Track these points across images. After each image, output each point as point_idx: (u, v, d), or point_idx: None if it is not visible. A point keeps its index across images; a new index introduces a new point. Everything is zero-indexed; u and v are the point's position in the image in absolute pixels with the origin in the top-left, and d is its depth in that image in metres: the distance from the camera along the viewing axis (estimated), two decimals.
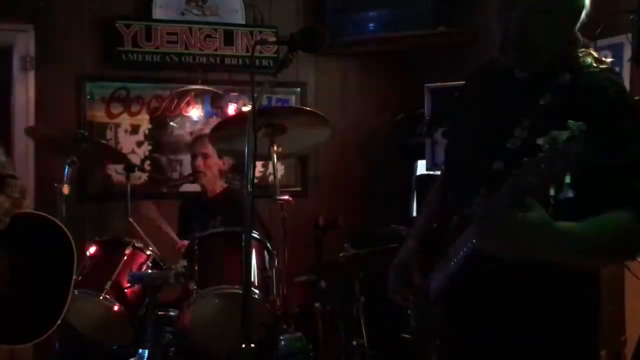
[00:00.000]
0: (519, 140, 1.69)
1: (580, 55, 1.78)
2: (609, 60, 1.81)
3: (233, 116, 4.17)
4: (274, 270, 3.56)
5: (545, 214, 1.53)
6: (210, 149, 4.11)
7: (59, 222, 2.87)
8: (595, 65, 1.76)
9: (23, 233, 2.75)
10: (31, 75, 4.80)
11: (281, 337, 3.01)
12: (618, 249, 1.68)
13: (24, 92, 4.80)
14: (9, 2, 4.74)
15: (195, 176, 4.21)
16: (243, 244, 3.45)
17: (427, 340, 2.01)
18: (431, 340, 1.99)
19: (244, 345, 2.23)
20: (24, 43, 4.80)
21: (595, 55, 1.80)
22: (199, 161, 4.16)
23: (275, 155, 3.42)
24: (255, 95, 2.34)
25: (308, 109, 3.70)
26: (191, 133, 5.09)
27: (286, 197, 3.43)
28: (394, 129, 5.28)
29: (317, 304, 3.65)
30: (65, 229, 2.86)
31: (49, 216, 2.90)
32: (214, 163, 4.19)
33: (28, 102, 4.80)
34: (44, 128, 4.24)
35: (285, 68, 2.43)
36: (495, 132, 1.76)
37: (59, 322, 2.77)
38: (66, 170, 3.80)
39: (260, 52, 5.12)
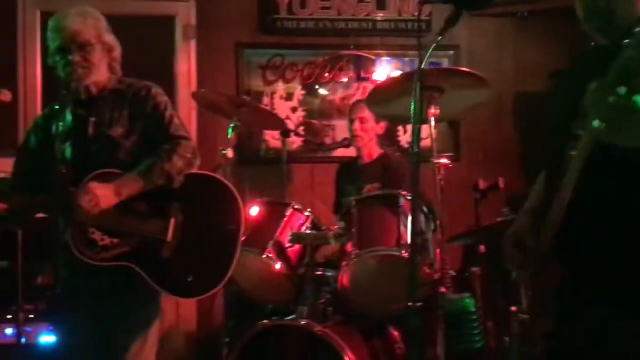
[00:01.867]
0: None
1: None
2: None
3: (390, 79, 4.16)
4: (431, 234, 3.57)
5: None
6: (367, 113, 4.14)
7: (227, 182, 2.96)
8: None
9: (195, 191, 2.86)
10: (192, 43, 5.02)
11: (449, 297, 3.00)
12: None
13: (186, 60, 5.02)
14: None
15: (352, 140, 4.24)
16: (399, 206, 3.53)
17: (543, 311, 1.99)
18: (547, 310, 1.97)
19: (410, 304, 2.25)
20: (186, 12, 5.02)
21: None
22: (356, 125, 4.19)
23: (432, 118, 3.40)
24: (419, 57, 2.30)
25: (466, 69, 3.64)
26: (343, 98, 5.15)
27: (443, 160, 3.42)
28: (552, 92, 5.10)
29: (474, 268, 3.62)
30: (233, 189, 2.94)
31: (218, 176, 3.00)
32: (371, 127, 4.21)
33: (190, 69, 5.02)
34: (210, 93, 4.40)
35: (452, 27, 2.39)
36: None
37: (226, 278, 2.85)
38: (230, 133, 3.97)
39: (413, 15, 5.12)
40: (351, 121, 4.27)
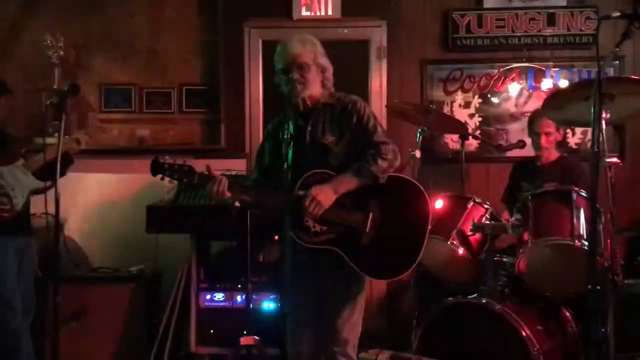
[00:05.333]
0: None
1: None
2: None
3: (564, 87, 4.00)
4: (601, 226, 3.40)
5: None
6: (551, 127, 4.00)
7: (417, 182, 2.96)
8: None
9: (390, 190, 2.88)
10: (384, 62, 5.07)
11: (628, 282, 2.86)
12: None
13: (378, 77, 5.09)
14: (366, 5, 5.07)
15: (538, 151, 4.09)
16: (572, 200, 3.39)
17: None
18: None
19: (589, 287, 2.17)
20: (378, 36, 5.09)
21: None
22: (543, 140, 4.04)
23: (604, 122, 3.23)
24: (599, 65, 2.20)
25: (637, 77, 3.43)
26: (516, 105, 5.01)
27: (614, 159, 3.24)
28: None
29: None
30: (422, 188, 2.94)
31: (409, 177, 3.00)
32: (554, 138, 4.07)
33: (381, 84, 5.08)
34: (402, 104, 4.43)
35: (628, 39, 2.28)
36: None
37: (415, 264, 2.85)
38: (418, 137, 3.99)
39: (580, 30, 4.91)
40: (536, 134, 4.08)
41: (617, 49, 2.30)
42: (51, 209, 3.20)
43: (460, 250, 3.62)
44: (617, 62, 4.91)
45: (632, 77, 3.73)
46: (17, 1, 5.17)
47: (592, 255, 2.25)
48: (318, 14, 5.03)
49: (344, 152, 2.87)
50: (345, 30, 5.07)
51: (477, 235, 3.66)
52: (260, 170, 3.05)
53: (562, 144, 4.88)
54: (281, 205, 2.86)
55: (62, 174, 3.66)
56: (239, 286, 4.25)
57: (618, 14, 2.38)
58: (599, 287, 2.21)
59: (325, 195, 2.75)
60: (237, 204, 2.95)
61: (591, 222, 3.34)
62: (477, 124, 5.05)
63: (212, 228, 4.23)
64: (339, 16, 5.03)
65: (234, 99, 5.09)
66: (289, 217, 2.82)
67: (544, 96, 4.76)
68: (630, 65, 4.95)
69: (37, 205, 3.64)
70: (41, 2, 5.18)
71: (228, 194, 2.75)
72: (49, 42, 4.96)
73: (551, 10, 4.94)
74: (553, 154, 4.12)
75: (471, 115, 5.06)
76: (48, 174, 3.22)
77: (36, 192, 3.64)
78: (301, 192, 2.77)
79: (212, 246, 4.62)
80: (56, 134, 3.38)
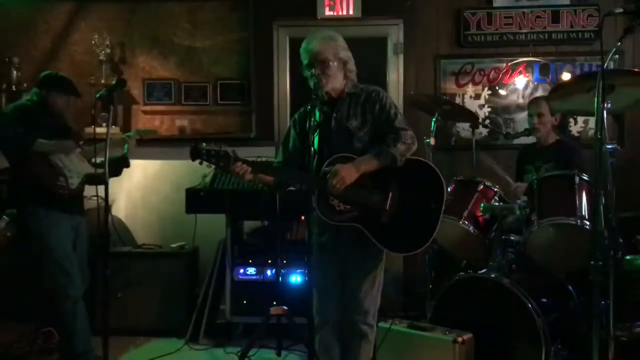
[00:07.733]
0: None
1: None
2: None
3: (568, 80, 3.94)
4: (601, 207, 3.34)
5: None
6: (544, 109, 3.94)
7: (433, 165, 2.94)
8: None
9: (408, 172, 2.87)
10: (400, 57, 5.03)
11: (627, 257, 2.82)
12: None
13: (395, 70, 5.05)
14: (384, 4, 5.02)
15: (532, 131, 4.06)
16: (575, 184, 3.35)
17: None
18: None
19: (592, 262, 2.14)
20: (395, 34, 5.04)
21: None
22: (535, 119, 4.00)
23: (605, 111, 3.18)
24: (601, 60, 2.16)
25: (636, 70, 3.37)
26: (523, 96, 4.95)
27: (615, 145, 3.18)
28: None
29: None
30: (438, 170, 2.91)
31: (426, 160, 2.99)
32: (547, 120, 4.01)
33: (398, 78, 5.04)
34: (421, 95, 4.37)
35: (630, 34, 2.23)
36: None
37: (430, 240, 2.84)
38: (432, 126, 3.95)
39: (583, 26, 4.81)
40: (530, 115, 4.08)
41: (620, 43, 2.23)
42: (101, 192, 3.23)
43: (471, 230, 3.59)
44: (617, 56, 4.83)
45: (632, 69, 3.69)
46: (68, 4, 5.20)
47: (595, 233, 2.21)
48: (340, 13, 4.99)
49: (366, 137, 2.86)
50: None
51: (487, 216, 3.63)
52: (284, 156, 3.03)
53: (565, 132, 4.83)
54: (308, 185, 2.84)
55: (119, 173, 3.72)
56: (269, 261, 4.27)
57: (621, 10, 2.33)
58: (600, 263, 2.17)
59: (347, 172, 2.73)
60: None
61: (592, 203, 3.32)
62: (487, 113, 5.00)
63: (245, 209, 4.24)
64: (360, 15, 4.99)
65: (264, 91, 5.09)
66: (316, 196, 2.81)
67: (548, 88, 4.75)
68: (629, 59, 4.87)
69: (89, 188, 3.69)
70: (90, 5, 5.21)
71: (249, 176, 2.75)
72: (96, 41, 5.01)
73: (555, 9, 4.86)
74: (551, 138, 4.06)
75: (481, 106, 5.01)
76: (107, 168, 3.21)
77: (92, 180, 3.69)
78: (327, 168, 2.76)
79: (245, 225, 4.64)
80: (104, 124, 3.41)
